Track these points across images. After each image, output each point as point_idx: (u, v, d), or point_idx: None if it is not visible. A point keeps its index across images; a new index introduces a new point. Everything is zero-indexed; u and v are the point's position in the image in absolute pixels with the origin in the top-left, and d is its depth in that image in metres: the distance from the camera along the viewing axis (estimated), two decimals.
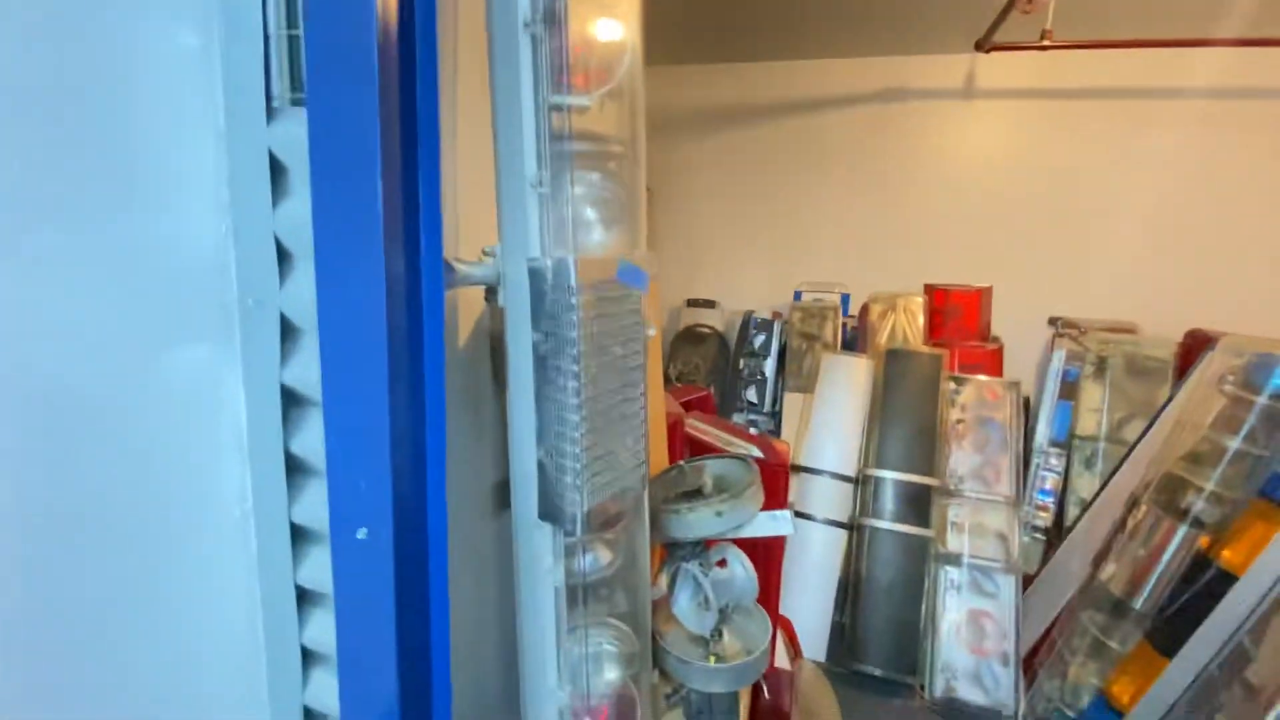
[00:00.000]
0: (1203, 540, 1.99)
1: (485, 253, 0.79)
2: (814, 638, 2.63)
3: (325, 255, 0.61)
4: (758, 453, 1.46)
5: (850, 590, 2.67)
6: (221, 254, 0.64)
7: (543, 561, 0.78)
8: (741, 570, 1.31)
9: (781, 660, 1.59)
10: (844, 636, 2.62)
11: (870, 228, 3.73)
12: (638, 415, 0.86)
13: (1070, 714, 2.20)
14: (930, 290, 3.31)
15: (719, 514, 1.16)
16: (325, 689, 0.71)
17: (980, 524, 2.60)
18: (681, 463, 1.26)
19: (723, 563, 1.32)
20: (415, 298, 0.65)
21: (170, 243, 0.62)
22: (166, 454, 0.63)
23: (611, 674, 0.89)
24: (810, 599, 2.68)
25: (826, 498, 2.81)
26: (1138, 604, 2.07)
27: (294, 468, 0.68)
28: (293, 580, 0.70)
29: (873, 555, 2.66)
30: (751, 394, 3.52)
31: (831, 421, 2.92)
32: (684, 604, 1.25)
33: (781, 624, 2.11)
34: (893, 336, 3.12)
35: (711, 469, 1.31)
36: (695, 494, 1.24)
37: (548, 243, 0.72)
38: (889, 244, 3.72)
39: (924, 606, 2.54)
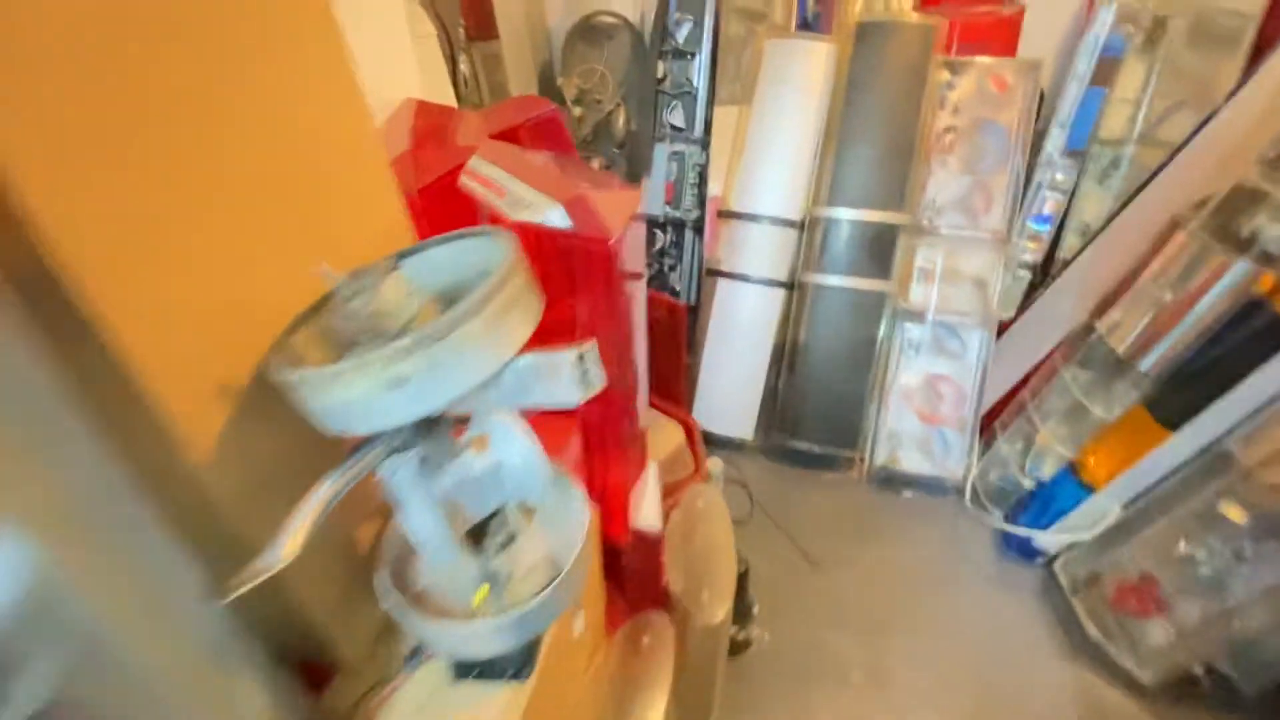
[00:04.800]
0: (1264, 280, 1.42)
1: None
2: (742, 414, 2.23)
3: None
4: (557, 219, 0.74)
5: (786, 360, 2.19)
6: None
7: None
8: (515, 449, 0.71)
9: (649, 512, 1.11)
10: (776, 412, 2.22)
11: None
12: None
13: (1027, 483, 1.89)
14: None
15: (397, 380, 0.51)
16: None
17: (954, 269, 2.02)
18: (358, 272, 0.56)
19: (481, 442, 0.72)
20: None
21: None
22: None
23: None
24: (736, 371, 2.21)
25: (764, 251, 2.16)
26: (1145, 364, 1.59)
27: None
28: None
29: (814, 317, 2.12)
30: (677, 115, 2.61)
31: (774, 144, 2.13)
32: (421, 528, 0.68)
33: (686, 428, 1.64)
34: (871, 5, 2.14)
35: (426, 270, 0.62)
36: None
37: None
38: None
39: (872, 373, 2.09)
